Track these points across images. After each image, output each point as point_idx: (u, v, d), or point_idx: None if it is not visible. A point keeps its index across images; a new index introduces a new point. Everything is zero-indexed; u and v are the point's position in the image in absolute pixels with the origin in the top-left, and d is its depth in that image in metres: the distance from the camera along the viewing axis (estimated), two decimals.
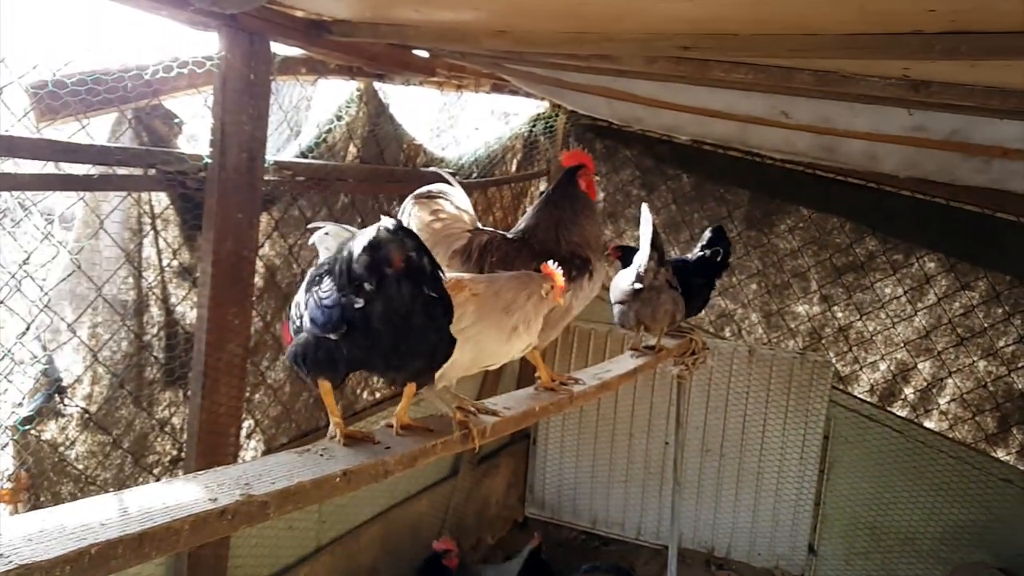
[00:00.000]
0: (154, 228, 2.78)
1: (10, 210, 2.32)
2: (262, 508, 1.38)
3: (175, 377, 2.93)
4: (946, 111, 2.94)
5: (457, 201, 2.39)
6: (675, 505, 3.87)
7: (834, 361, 5.40)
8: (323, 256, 1.83)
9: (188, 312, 2.93)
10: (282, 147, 3.32)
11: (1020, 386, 4.89)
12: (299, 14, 2.75)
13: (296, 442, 3.66)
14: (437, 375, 1.74)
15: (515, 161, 5.28)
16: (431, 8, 2.50)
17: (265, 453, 3.49)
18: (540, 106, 5.32)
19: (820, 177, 5.05)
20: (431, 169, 4.00)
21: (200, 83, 2.66)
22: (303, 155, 3.31)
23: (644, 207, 2.90)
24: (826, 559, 5.60)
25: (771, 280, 5.47)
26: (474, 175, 4.67)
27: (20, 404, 2.45)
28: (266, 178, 2.89)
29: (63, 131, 2.36)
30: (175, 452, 3.03)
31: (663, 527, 5.91)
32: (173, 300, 2.91)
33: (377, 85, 3.69)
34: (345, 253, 1.50)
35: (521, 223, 2.45)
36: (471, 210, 2.42)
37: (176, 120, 2.74)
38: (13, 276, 2.28)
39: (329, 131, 3.46)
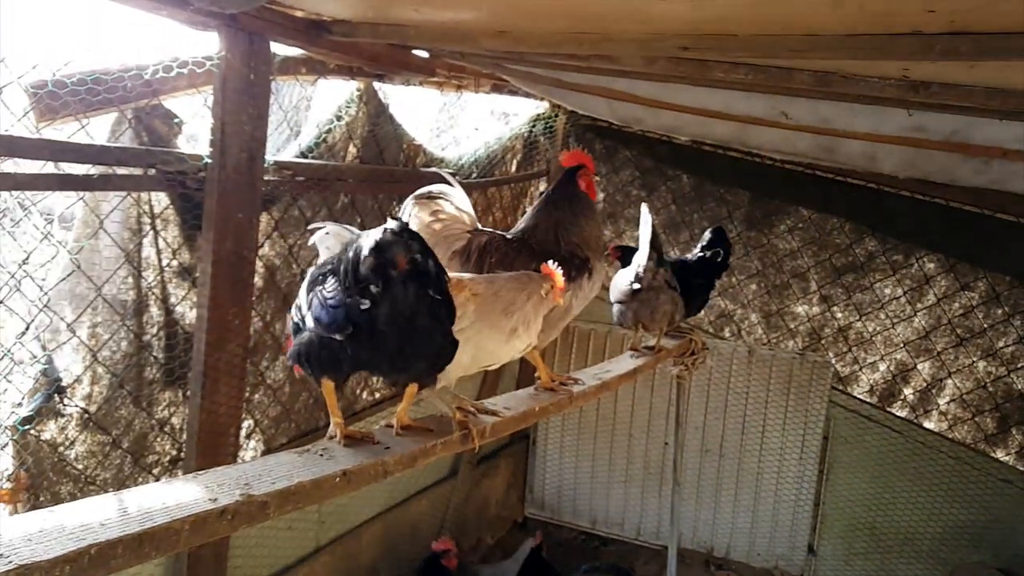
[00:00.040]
0: (154, 228, 2.78)
1: (10, 210, 2.32)
2: (262, 508, 1.38)
3: (175, 377, 2.93)
4: (946, 112, 2.94)
5: (457, 202, 2.39)
6: (675, 505, 3.87)
7: (834, 361, 5.40)
8: (323, 256, 1.83)
9: (188, 312, 2.93)
10: (282, 147, 3.32)
11: (1020, 387, 4.89)
12: (299, 14, 2.75)
13: (296, 442, 3.66)
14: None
15: (515, 161, 5.28)
16: (431, 8, 2.51)
17: (265, 453, 3.49)
18: (540, 106, 5.32)
19: (820, 177, 5.05)
20: (431, 169, 4.00)
21: (200, 83, 2.65)
22: (303, 155, 3.31)
23: (644, 207, 2.91)
24: (825, 559, 5.60)
25: (771, 280, 5.47)
26: (474, 175, 4.67)
27: (20, 404, 2.45)
28: (266, 178, 2.89)
29: (63, 131, 2.36)
30: (175, 452, 3.03)
31: (663, 527, 5.91)
32: (173, 300, 2.91)
33: (377, 85, 3.69)
34: (350, 254, 1.50)
35: (521, 223, 2.45)
36: (471, 211, 2.42)
37: (176, 120, 2.74)
38: (13, 276, 2.28)
39: (329, 131, 3.46)
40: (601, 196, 5.73)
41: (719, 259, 3.30)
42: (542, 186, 5.64)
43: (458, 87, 4.21)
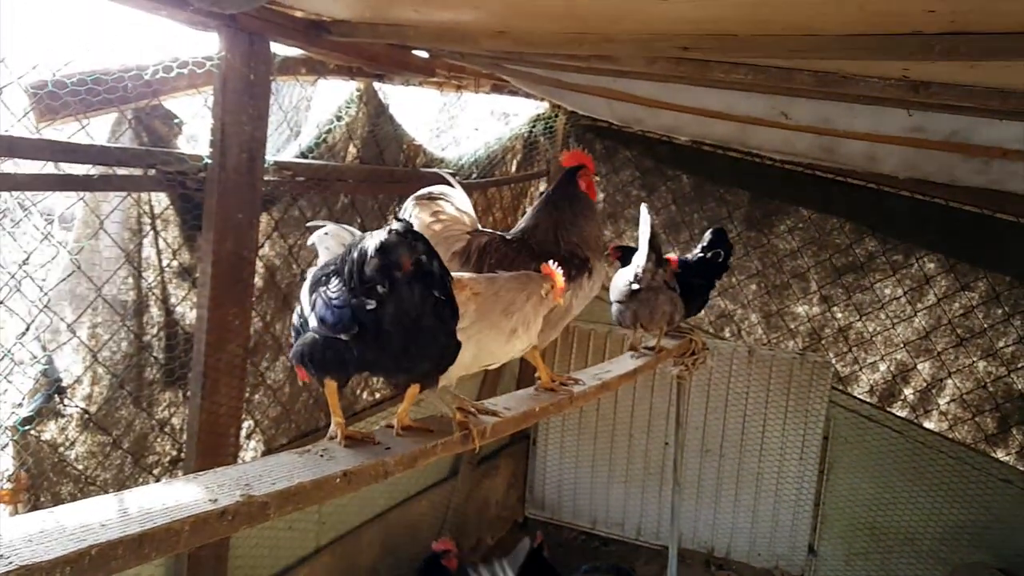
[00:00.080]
0: (154, 228, 2.78)
1: (10, 210, 2.32)
2: (262, 509, 1.38)
3: (175, 377, 2.93)
4: (946, 112, 2.94)
5: (458, 203, 2.39)
6: (675, 505, 3.87)
7: (834, 362, 5.40)
8: (323, 257, 1.83)
9: (188, 312, 2.93)
10: (282, 147, 3.32)
11: (1020, 386, 4.89)
12: (299, 14, 2.75)
13: (296, 442, 3.66)
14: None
15: (515, 162, 5.29)
16: (430, 8, 2.50)
17: (265, 454, 3.49)
18: (540, 107, 5.32)
19: (820, 178, 5.05)
20: (431, 170, 4.00)
21: (200, 83, 2.65)
22: (303, 155, 3.31)
23: (643, 207, 2.91)
24: (826, 559, 5.60)
25: (771, 281, 5.47)
26: (474, 176, 4.67)
27: (20, 404, 2.45)
28: (266, 178, 2.89)
29: (63, 131, 2.36)
30: (175, 452, 3.03)
31: (663, 527, 5.91)
32: (173, 300, 2.91)
33: (377, 85, 3.69)
34: (355, 255, 1.49)
35: (520, 223, 2.45)
36: (471, 211, 2.42)
37: (176, 120, 2.74)
38: (13, 276, 2.28)
39: (329, 131, 3.46)
40: (601, 196, 5.73)
41: (719, 260, 3.31)
42: (542, 186, 5.64)
43: (458, 87, 4.21)
